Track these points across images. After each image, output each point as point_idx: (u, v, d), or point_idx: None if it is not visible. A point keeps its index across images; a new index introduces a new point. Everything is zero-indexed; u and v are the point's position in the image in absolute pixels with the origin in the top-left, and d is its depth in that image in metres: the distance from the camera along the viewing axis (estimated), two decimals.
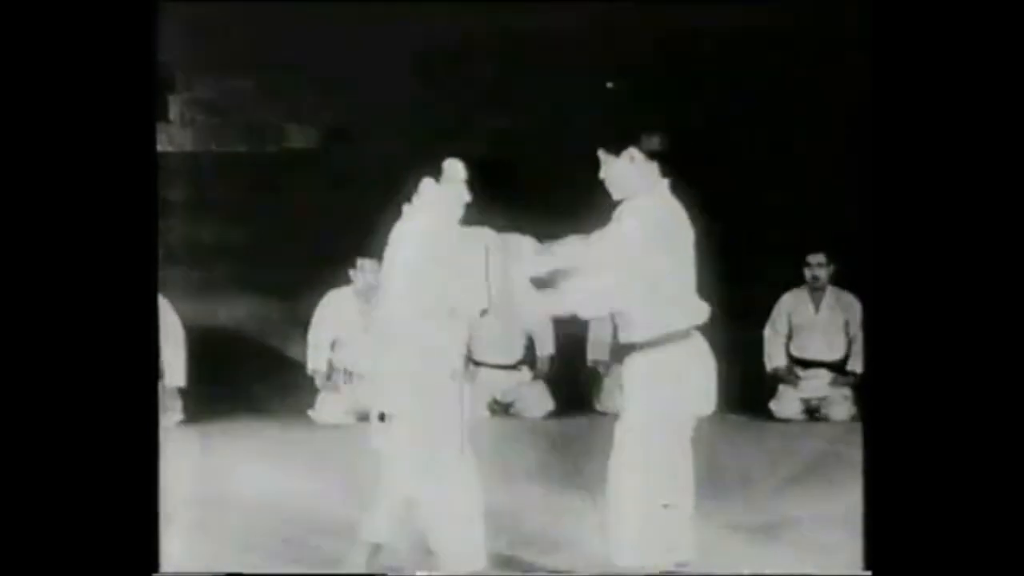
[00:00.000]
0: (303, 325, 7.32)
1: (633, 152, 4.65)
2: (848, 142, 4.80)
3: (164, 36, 4.76)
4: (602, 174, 4.68)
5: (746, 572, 4.84)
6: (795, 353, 7.45)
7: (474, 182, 4.85)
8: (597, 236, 4.63)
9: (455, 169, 4.83)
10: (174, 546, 4.64)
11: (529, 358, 7.52)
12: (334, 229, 7.37)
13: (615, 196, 4.67)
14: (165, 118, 7.63)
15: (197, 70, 7.48)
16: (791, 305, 7.45)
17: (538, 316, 6.64)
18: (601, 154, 4.69)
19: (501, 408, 7.38)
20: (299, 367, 7.34)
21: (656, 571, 4.64)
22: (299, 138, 7.80)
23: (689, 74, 7.35)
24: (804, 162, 7.23)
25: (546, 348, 7.49)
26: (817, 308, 7.42)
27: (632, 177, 4.65)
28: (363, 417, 7.17)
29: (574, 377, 7.55)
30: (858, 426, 4.98)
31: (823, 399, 7.34)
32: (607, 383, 7.17)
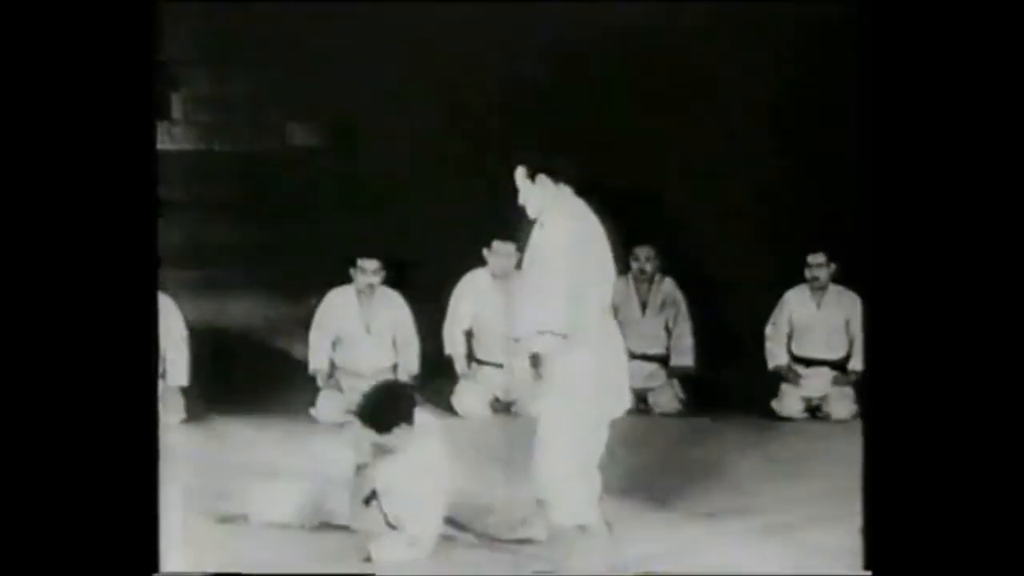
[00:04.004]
0: (305, 324, 7.32)
1: (541, 178, 5.03)
2: (848, 141, 4.80)
3: (167, 34, 4.77)
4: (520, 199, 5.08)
5: (746, 572, 4.85)
6: (796, 352, 7.45)
7: None
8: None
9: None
10: (174, 546, 4.65)
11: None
12: (336, 228, 7.39)
13: (531, 216, 5.08)
14: (168, 116, 7.63)
15: (199, 68, 7.49)
16: (792, 304, 7.44)
17: None
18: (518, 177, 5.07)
19: (503, 407, 7.38)
20: (301, 366, 7.35)
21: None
22: (301, 136, 7.80)
23: (689, 72, 7.34)
24: (804, 161, 7.22)
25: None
26: (819, 307, 7.41)
27: (543, 199, 5.04)
28: None
29: None
30: (859, 424, 4.97)
31: (824, 398, 7.34)
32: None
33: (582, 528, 4.95)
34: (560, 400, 4.92)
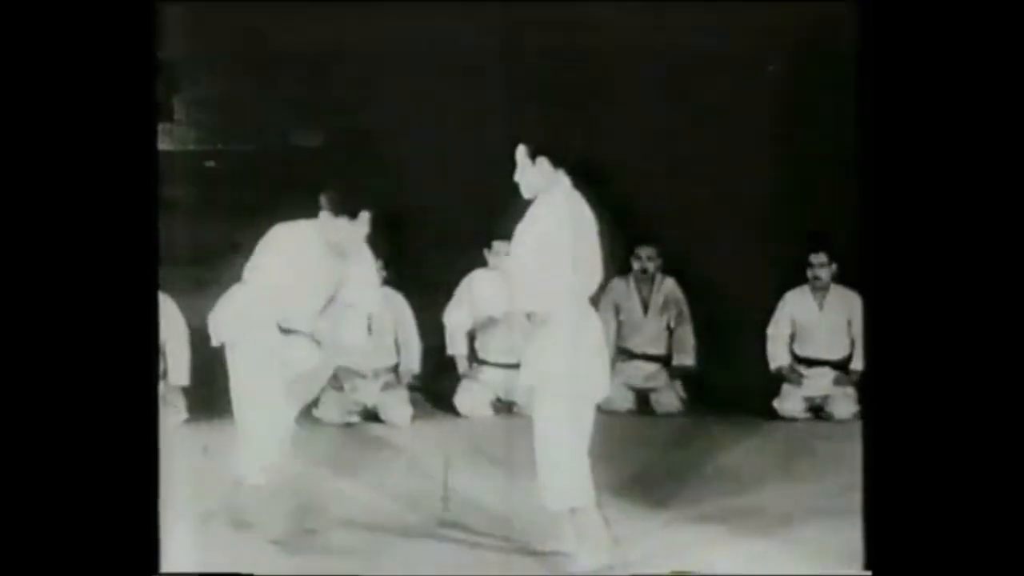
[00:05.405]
0: None
1: (541, 160, 5.04)
2: (849, 140, 4.79)
3: (167, 34, 4.77)
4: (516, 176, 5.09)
5: (746, 572, 4.85)
6: (798, 352, 7.45)
7: None
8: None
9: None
10: (174, 546, 4.65)
11: None
12: None
13: (525, 196, 5.09)
14: (170, 118, 7.64)
15: (200, 68, 7.49)
16: (794, 304, 7.44)
17: None
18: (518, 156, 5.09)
19: (504, 406, 7.39)
20: None
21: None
22: (301, 136, 7.80)
23: (691, 72, 7.35)
24: (805, 161, 7.22)
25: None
26: (820, 307, 7.41)
27: (539, 180, 5.05)
28: (369, 416, 7.23)
29: None
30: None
31: (827, 398, 7.34)
32: None
33: (575, 511, 4.93)
34: (538, 384, 4.93)
